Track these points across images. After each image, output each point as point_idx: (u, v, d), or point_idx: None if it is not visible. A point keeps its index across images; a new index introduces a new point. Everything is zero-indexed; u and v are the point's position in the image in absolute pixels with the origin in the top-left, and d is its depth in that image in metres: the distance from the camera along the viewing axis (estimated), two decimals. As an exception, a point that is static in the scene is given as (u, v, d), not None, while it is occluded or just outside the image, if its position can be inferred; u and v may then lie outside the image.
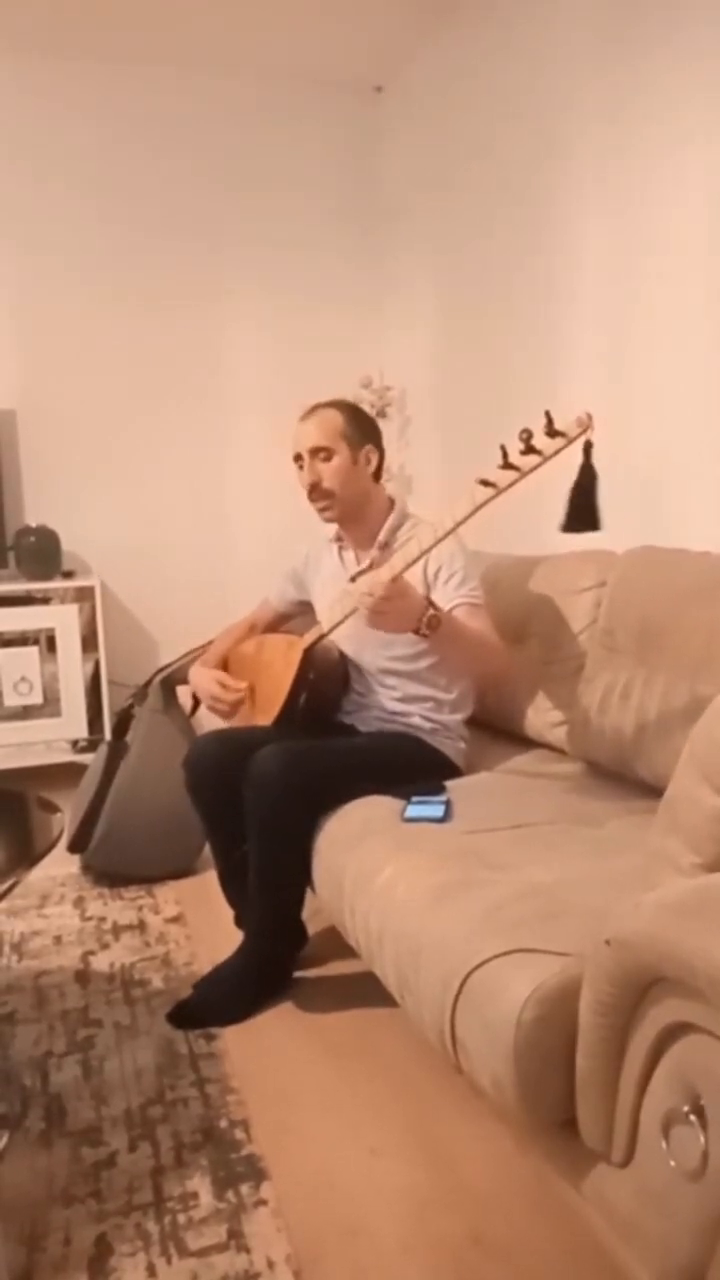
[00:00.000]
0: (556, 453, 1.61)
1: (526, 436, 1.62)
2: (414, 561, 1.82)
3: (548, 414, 1.60)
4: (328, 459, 2.17)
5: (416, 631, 1.83)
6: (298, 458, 2.21)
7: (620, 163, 2.45)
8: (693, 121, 2.20)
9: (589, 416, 1.59)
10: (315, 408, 2.23)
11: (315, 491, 2.19)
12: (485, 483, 1.68)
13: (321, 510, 2.22)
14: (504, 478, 1.66)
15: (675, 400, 2.34)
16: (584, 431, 1.59)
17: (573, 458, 1.62)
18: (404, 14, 3.19)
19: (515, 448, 1.63)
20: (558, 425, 1.60)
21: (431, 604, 1.85)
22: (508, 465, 1.64)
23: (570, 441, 1.60)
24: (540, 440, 1.61)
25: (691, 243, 2.25)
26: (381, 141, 3.81)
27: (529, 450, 1.62)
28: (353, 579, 2.22)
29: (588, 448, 1.61)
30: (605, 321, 2.58)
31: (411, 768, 2.07)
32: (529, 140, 2.83)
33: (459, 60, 3.19)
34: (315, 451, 2.17)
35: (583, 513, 1.65)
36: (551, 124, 2.72)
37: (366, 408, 3.50)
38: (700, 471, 2.27)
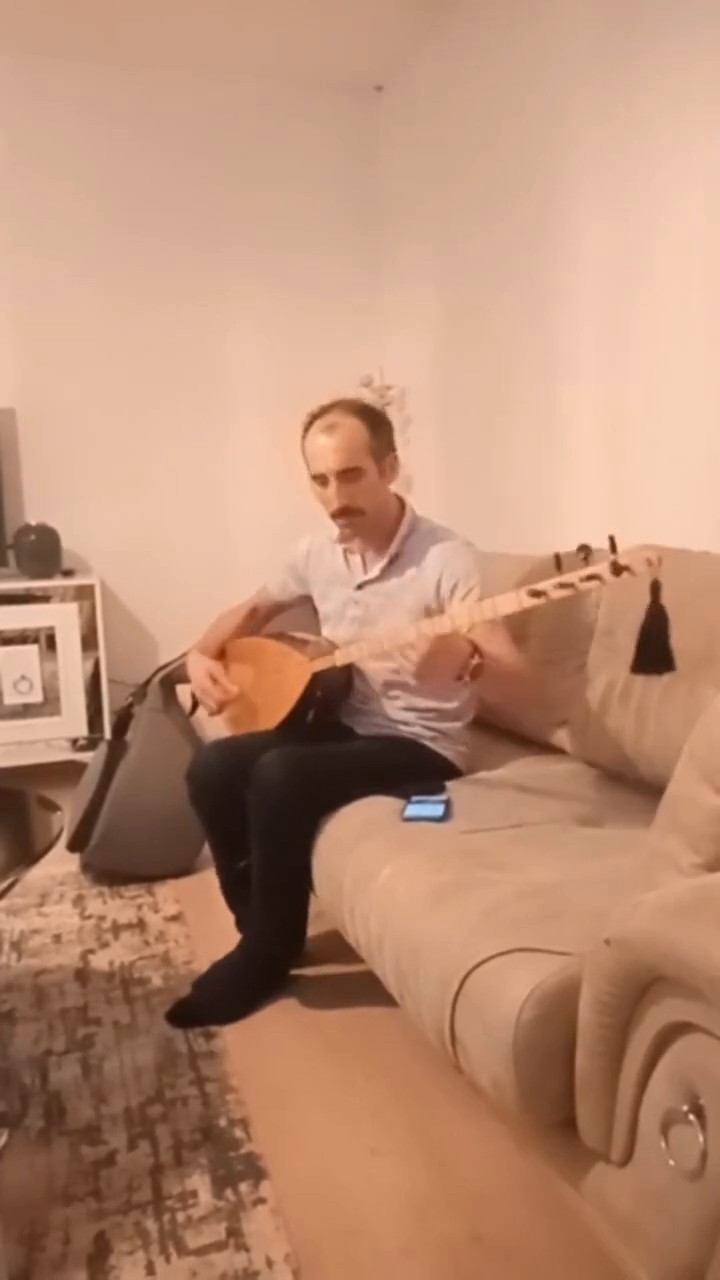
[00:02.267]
0: (616, 582, 1.53)
1: (584, 556, 1.54)
2: (452, 629, 1.75)
3: (612, 541, 1.51)
4: (357, 479, 2.03)
5: (459, 679, 1.78)
6: (319, 477, 2.06)
7: (620, 162, 2.45)
8: (693, 121, 2.20)
9: (659, 559, 1.49)
10: (331, 416, 2.05)
11: (344, 513, 2.06)
12: (535, 594, 1.59)
13: (345, 527, 2.10)
14: (557, 594, 1.57)
15: (676, 399, 2.34)
16: (651, 570, 1.50)
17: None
18: (404, 13, 3.19)
19: (571, 564, 1.54)
20: (622, 560, 1.49)
21: (476, 650, 1.79)
22: (563, 585, 1.56)
23: (636, 577, 1.51)
24: (603, 570, 1.51)
25: (691, 243, 2.25)
26: (381, 141, 3.81)
27: (590, 578, 1.52)
28: (359, 586, 2.20)
29: (655, 588, 1.53)
30: (605, 320, 2.58)
31: (413, 770, 2.06)
32: (529, 139, 2.83)
33: (459, 59, 3.19)
34: (344, 474, 2.02)
35: (655, 655, 1.57)
36: (552, 123, 2.72)
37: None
38: (701, 470, 2.27)
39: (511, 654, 1.98)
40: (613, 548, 1.51)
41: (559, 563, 1.57)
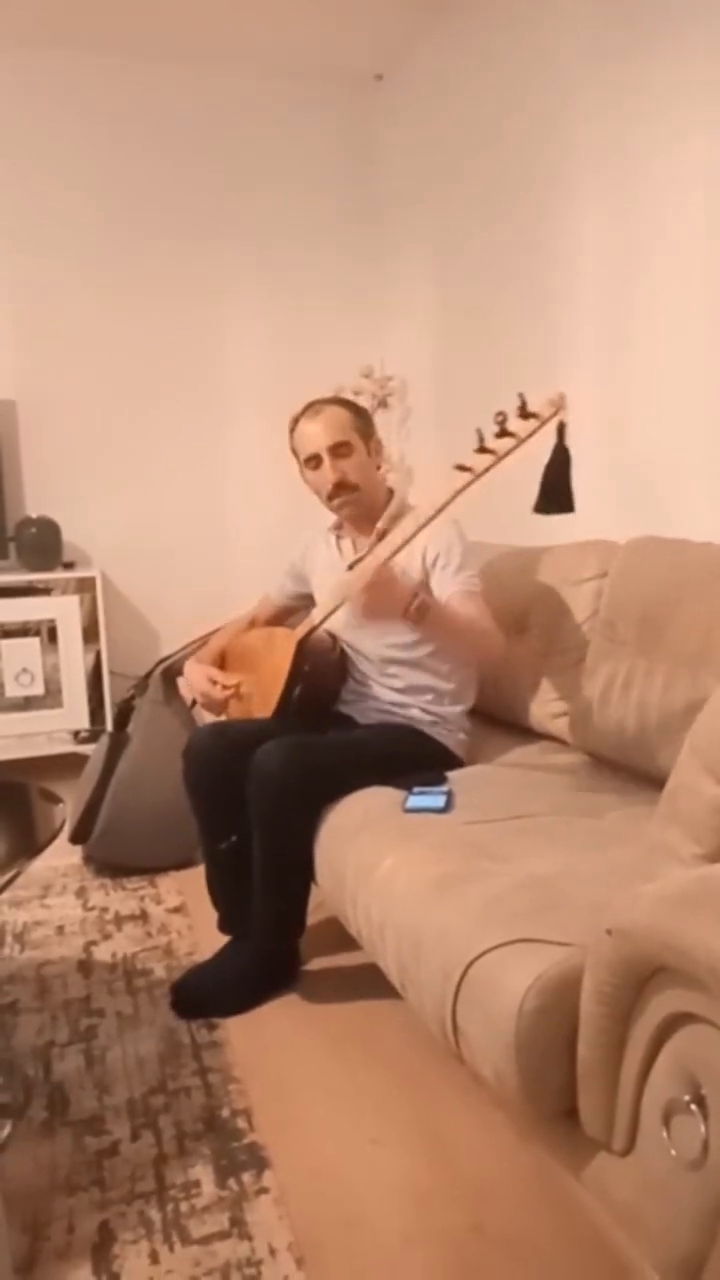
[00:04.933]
0: (531, 435, 1.59)
1: (501, 419, 1.60)
2: (398, 549, 1.82)
3: (521, 396, 1.59)
4: (348, 455, 2.16)
5: (405, 616, 1.83)
6: (312, 459, 2.18)
7: (620, 154, 2.44)
8: (693, 116, 2.19)
9: (561, 397, 1.57)
10: (316, 407, 2.20)
11: (341, 489, 2.16)
12: (461, 468, 1.67)
13: (341, 507, 2.20)
14: (480, 461, 1.65)
15: (676, 390, 2.34)
16: (557, 412, 1.57)
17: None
18: (404, 2, 3.17)
19: (490, 431, 1.62)
20: (531, 407, 1.58)
21: (418, 591, 1.85)
22: (483, 449, 1.63)
23: (544, 423, 1.58)
24: (514, 423, 1.59)
25: (690, 235, 2.24)
26: (381, 131, 3.79)
27: (503, 434, 1.60)
28: (350, 567, 2.22)
29: (561, 428, 1.59)
30: (605, 312, 2.57)
31: (413, 759, 2.07)
32: (529, 131, 2.82)
33: (460, 49, 3.17)
34: (335, 449, 2.15)
35: (555, 493, 1.64)
36: (552, 115, 2.70)
37: (368, 399, 3.51)
38: (701, 462, 2.27)
39: (481, 618, 2.04)
40: (522, 403, 1.59)
41: (481, 436, 1.61)
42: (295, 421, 2.23)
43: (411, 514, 2.08)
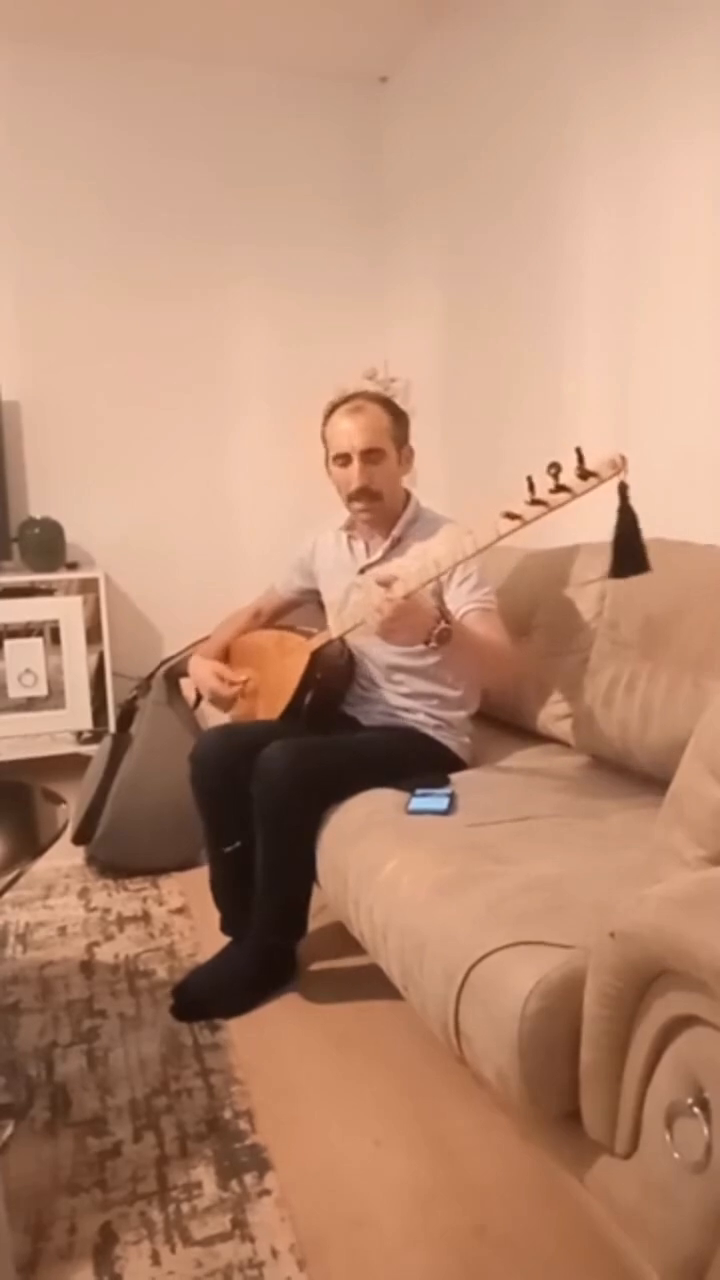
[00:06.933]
0: (587, 492, 1.58)
1: (555, 472, 1.57)
2: (428, 582, 1.80)
3: (579, 451, 1.55)
4: (378, 461, 2.13)
5: (426, 643, 1.81)
6: (342, 457, 2.15)
7: (626, 154, 2.44)
8: (699, 114, 2.19)
9: (623, 459, 1.54)
10: (356, 401, 2.16)
11: (363, 494, 2.14)
12: (511, 515, 1.64)
13: (361, 511, 2.18)
14: (530, 512, 1.62)
15: (681, 392, 2.34)
16: (617, 473, 1.55)
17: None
18: (409, 2, 3.18)
19: (543, 482, 1.60)
20: (590, 465, 1.55)
21: (443, 615, 1.83)
22: (535, 501, 1.61)
23: (602, 482, 1.55)
24: (570, 479, 1.57)
25: (697, 235, 2.24)
26: (386, 132, 3.79)
27: (559, 489, 1.58)
28: (362, 571, 2.22)
29: (623, 490, 1.57)
30: (610, 312, 2.57)
31: (417, 762, 2.07)
32: (535, 131, 2.82)
33: (465, 50, 3.18)
34: (367, 453, 2.12)
35: (630, 557, 1.60)
36: (558, 115, 2.70)
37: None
38: (707, 464, 2.27)
39: (499, 638, 2.02)
40: (580, 459, 1.56)
41: (531, 485, 1.60)
42: (332, 409, 2.18)
43: (445, 530, 2.07)
